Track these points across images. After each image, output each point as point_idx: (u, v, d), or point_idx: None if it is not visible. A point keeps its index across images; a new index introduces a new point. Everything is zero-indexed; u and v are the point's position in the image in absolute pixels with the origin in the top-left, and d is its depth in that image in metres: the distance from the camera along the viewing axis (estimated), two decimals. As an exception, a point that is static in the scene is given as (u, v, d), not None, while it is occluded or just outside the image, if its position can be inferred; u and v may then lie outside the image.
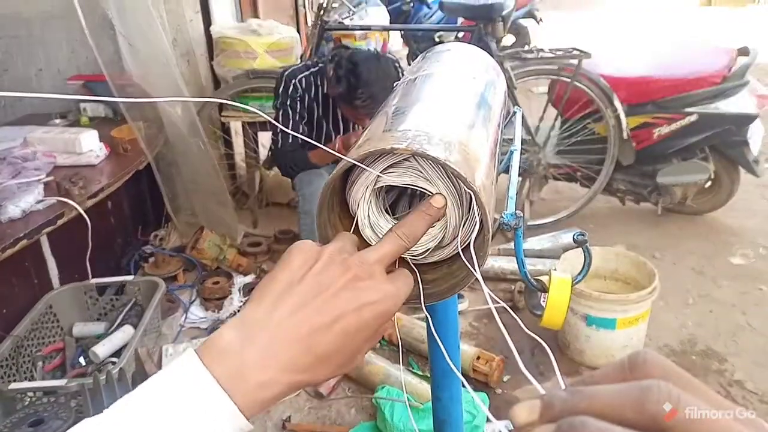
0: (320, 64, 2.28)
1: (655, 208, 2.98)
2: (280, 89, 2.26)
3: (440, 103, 0.55)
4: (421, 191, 0.50)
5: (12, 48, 2.71)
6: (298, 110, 2.26)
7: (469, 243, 0.51)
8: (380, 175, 0.49)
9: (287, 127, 2.24)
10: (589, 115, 2.78)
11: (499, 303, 0.43)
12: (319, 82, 2.27)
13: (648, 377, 0.25)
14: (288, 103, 2.24)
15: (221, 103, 2.88)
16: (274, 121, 0.62)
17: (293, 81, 2.23)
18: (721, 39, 6.60)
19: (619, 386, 0.25)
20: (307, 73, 2.26)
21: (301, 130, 2.27)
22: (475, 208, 0.47)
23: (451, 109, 0.54)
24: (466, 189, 0.46)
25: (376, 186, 0.50)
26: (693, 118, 2.67)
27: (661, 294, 2.05)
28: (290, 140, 2.26)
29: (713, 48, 3.01)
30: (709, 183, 2.93)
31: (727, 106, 2.65)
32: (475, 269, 0.47)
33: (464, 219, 0.50)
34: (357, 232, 0.53)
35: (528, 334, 0.47)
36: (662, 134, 2.75)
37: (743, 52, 2.75)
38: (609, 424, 0.24)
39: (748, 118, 2.64)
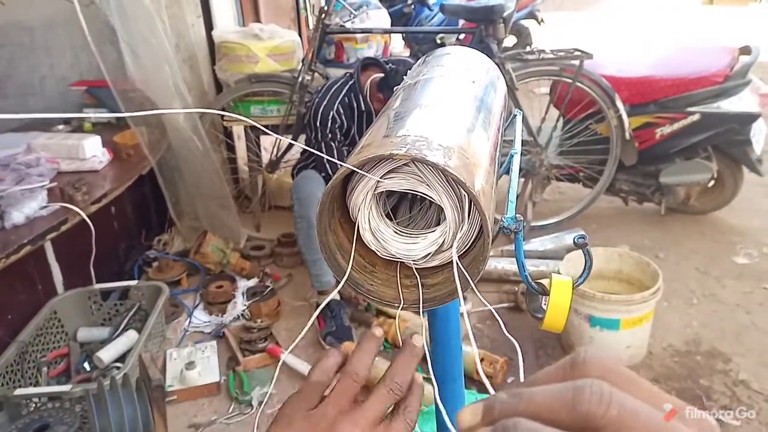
0: (349, 81, 2.22)
1: (658, 208, 2.97)
2: (317, 124, 2.18)
3: (440, 107, 0.55)
4: (420, 196, 0.50)
5: (16, 55, 2.73)
6: (339, 139, 2.22)
7: (468, 248, 0.51)
8: (380, 180, 0.49)
9: (335, 159, 2.22)
10: (591, 115, 2.78)
11: (488, 307, 0.44)
12: (354, 102, 2.21)
13: (586, 376, 0.25)
14: (330, 138, 2.20)
15: (223, 107, 2.89)
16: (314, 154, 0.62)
17: (331, 114, 2.16)
18: (723, 38, 6.59)
19: (554, 386, 0.25)
20: (341, 97, 2.19)
21: (344, 157, 2.27)
22: (475, 212, 0.47)
23: (450, 113, 0.54)
24: (465, 193, 0.46)
25: (377, 191, 0.50)
26: (695, 117, 2.67)
27: (665, 294, 2.04)
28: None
29: (715, 47, 3.01)
30: (712, 182, 2.93)
31: (730, 105, 2.64)
32: (468, 276, 0.47)
33: (464, 223, 0.50)
34: (358, 237, 0.53)
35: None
36: (665, 134, 2.74)
37: (745, 50, 2.75)
38: (540, 425, 0.24)
39: (751, 117, 2.64)
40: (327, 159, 2.23)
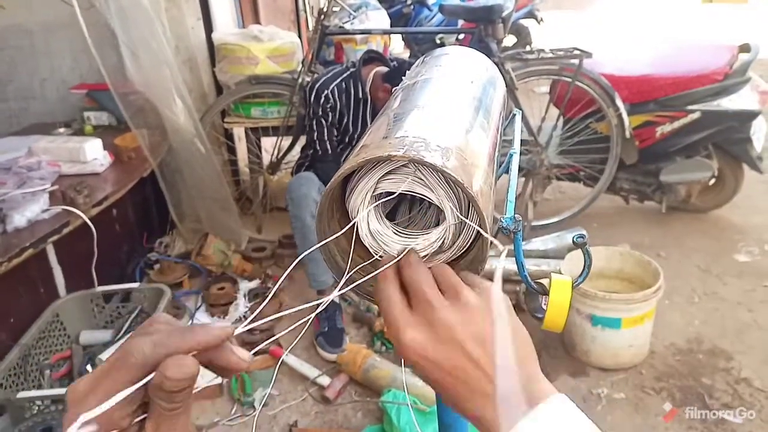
0: (350, 69, 2.30)
1: (659, 207, 2.97)
2: (311, 99, 2.26)
3: (438, 108, 0.55)
4: (419, 197, 0.50)
5: (16, 59, 2.73)
6: (330, 120, 2.28)
7: (468, 248, 0.52)
8: (378, 185, 0.49)
9: (321, 138, 2.29)
10: (591, 114, 2.78)
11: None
12: (351, 88, 2.27)
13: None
14: (320, 114, 2.26)
15: (224, 109, 2.89)
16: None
17: (325, 92, 2.24)
18: (723, 36, 6.58)
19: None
20: (338, 81, 2.26)
21: (334, 137, 2.32)
22: (474, 213, 0.47)
23: (448, 114, 0.54)
24: (464, 194, 0.47)
25: (375, 192, 0.51)
26: (695, 115, 2.67)
27: (666, 293, 2.04)
28: (329, 151, 2.31)
29: (714, 45, 3.01)
30: (712, 180, 2.92)
31: (730, 103, 2.64)
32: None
33: (463, 224, 0.50)
34: (357, 239, 0.53)
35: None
36: (665, 132, 2.74)
37: (744, 48, 2.75)
38: None
39: (751, 115, 2.64)
40: (321, 158, 2.31)
